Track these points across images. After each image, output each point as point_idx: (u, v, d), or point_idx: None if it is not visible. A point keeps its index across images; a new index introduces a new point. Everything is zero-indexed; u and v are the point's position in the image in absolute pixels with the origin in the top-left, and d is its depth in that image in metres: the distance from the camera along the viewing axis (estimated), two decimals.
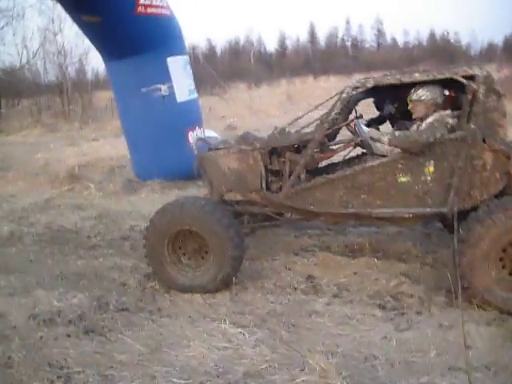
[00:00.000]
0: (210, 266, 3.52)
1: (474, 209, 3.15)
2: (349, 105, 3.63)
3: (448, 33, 52.41)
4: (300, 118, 3.61)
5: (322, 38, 54.89)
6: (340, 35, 54.34)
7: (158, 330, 3.04)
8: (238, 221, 3.77)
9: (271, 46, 65.12)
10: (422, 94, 3.34)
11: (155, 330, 3.05)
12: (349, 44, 54.10)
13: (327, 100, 3.52)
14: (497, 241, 2.88)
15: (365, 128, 3.51)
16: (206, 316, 3.20)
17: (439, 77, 3.16)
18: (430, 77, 3.17)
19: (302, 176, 3.60)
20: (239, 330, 2.93)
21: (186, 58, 7.13)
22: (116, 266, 4.16)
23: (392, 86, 3.38)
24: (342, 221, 3.85)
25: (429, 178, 3.22)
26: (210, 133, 8.37)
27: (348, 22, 57.76)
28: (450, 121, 3.27)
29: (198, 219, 3.44)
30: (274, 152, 3.74)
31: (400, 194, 3.30)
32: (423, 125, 3.40)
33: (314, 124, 3.66)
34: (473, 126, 3.08)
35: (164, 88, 6.65)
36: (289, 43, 52.78)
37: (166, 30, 6.65)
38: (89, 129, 15.38)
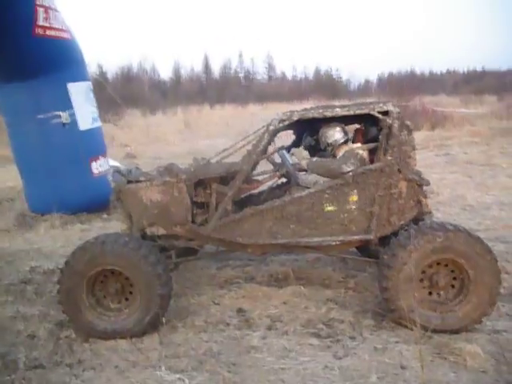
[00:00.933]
0: (135, 308, 3.26)
1: (394, 234, 3.39)
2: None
3: (331, 69, 57.24)
4: (227, 149, 3.58)
5: (216, 68, 56.24)
6: (233, 67, 56.24)
7: None
8: (163, 256, 3.56)
9: (165, 74, 64.97)
10: (319, 136, 3.68)
11: None
12: (242, 75, 56.13)
13: (254, 132, 3.54)
14: (418, 264, 3.10)
15: (289, 158, 3.60)
16: (136, 364, 2.93)
17: (358, 112, 3.38)
18: (351, 112, 3.38)
19: (229, 208, 3.55)
20: (177, 375, 2.74)
21: (88, 83, 6.73)
22: (20, 316, 3.66)
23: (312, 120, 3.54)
24: (270, 251, 3.86)
25: (353, 207, 3.39)
26: (112, 162, 7.97)
27: (241, 55, 60.13)
28: (360, 152, 3.52)
29: (122, 257, 3.18)
30: (199, 184, 3.65)
31: (327, 223, 3.42)
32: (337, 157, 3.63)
33: (231, 155, 3.65)
34: (389, 158, 3.33)
35: (64, 115, 6.17)
36: (183, 72, 53.11)
37: (66, 54, 6.22)
38: None
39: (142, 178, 3.70)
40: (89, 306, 3.26)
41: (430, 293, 3.24)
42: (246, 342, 3.14)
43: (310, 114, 3.40)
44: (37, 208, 6.60)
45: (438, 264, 3.18)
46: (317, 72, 59.73)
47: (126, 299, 3.33)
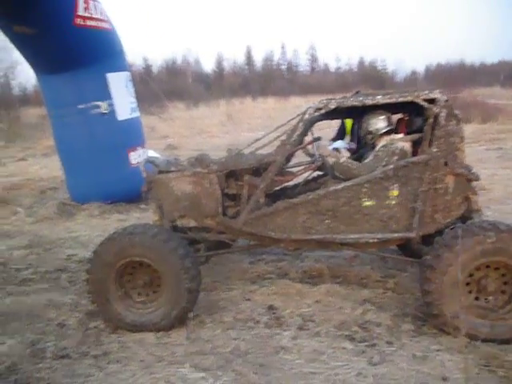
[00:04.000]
0: (163, 301, 3.18)
1: (438, 233, 3.13)
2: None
3: (376, 60, 55.66)
4: (259, 139, 3.42)
5: (258, 60, 56.04)
6: (276, 59, 55.83)
7: (107, 379, 2.66)
8: (193, 249, 3.46)
9: (208, 66, 65.52)
10: (361, 123, 3.43)
11: (103, 379, 2.66)
12: (284, 67, 55.64)
13: (289, 121, 3.36)
14: (465, 266, 2.83)
15: (326, 149, 3.40)
16: (161, 359, 2.85)
17: (401, 100, 3.12)
18: (393, 100, 3.13)
19: (261, 200, 3.40)
20: (201, 374, 2.63)
21: (127, 74, 6.76)
22: (52, 304, 3.68)
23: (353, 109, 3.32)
24: (304, 247, 3.68)
25: (393, 202, 3.15)
26: (151, 153, 8.00)
27: (283, 47, 59.61)
28: (401, 145, 3.26)
29: (151, 249, 3.10)
30: (231, 175, 3.52)
31: (365, 219, 3.20)
32: (372, 153, 3.39)
33: (269, 146, 3.48)
34: (435, 150, 3.06)
35: (104, 105, 6.22)
36: (226, 65, 53.29)
37: (106, 45, 6.27)
38: (16, 147, 14.27)
39: (172, 169, 3.62)
40: (117, 297, 3.21)
41: (477, 298, 2.96)
42: (275, 341, 2.99)
43: (349, 103, 3.18)
44: (77, 197, 6.72)
45: (488, 267, 2.90)
46: (361, 63, 58.28)
47: (154, 292, 3.27)
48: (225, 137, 16.61)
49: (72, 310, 3.54)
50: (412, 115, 3.64)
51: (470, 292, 2.95)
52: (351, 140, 5.09)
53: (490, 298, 2.93)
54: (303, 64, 57.77)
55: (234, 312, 3.42)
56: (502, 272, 2.90)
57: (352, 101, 3.18)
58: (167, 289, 3.15)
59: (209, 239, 3.72)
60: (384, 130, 3.35)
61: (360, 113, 3.65)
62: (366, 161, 3.48)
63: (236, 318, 3.33)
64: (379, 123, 3.36)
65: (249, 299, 3.64)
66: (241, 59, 57.78)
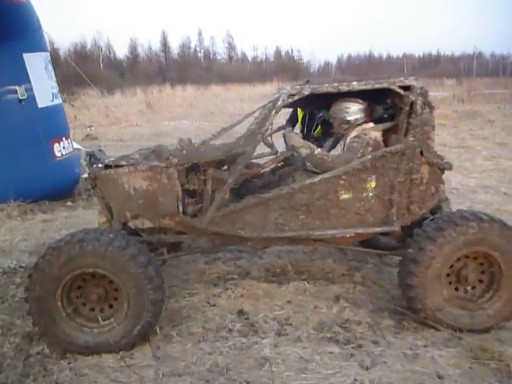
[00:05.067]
0: (122, 316, 2.75)
1: (416, 224, 3.05)
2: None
3: (292, 50, 56.85)
4: (228, 129, 3.07)
5: (174, 47, 54.44)
6: (193, 46, 54.65)
7: None
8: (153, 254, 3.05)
9: (121, 52, 62.30)
10: (336, 110, 3.24)
11: None
12: (201, 55, 54.70)
13: (260, 108, 3.06)
14: (448, 258, 2.77)
15: (298, 139, 3.16)
16: None
17: (377, 86, 2.97)
18: (369, 86, 2.97)
19: (227, 196, 3.09)
20: None
21: (46, 54, 5.95)
22: None
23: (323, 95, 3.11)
24: (274, 245, 3.43)
25: (370, 194, 3.01)
26: (74, 145, 7.24)
27: (200, 34, 58.48)
28: (374, 135, 3.14)
29: (106, 258, 2.65)
30: (191, 169, 3.14)
31: (341, 213, 3.03)
32: (346, 141, 3.23)
33: (223, 135, 3.15)
34: (411, 139, 2.95)
35: (21, 90, 5.40)
36: (140, 50, 51.03)
37: (22, 20, 5.43)
38: None
39: (123, 163, 3.15)
40: (66, 316, 2.72)
41: (456, 289, 2.93)
42: (255, 352, 2.71)
43: (324, 89, 2.96)
44: None
45: (467, 257, 2.87)
46: (277, 53, 59.21)
47: (111, 306, 2.82)
48: (146, 126, 15.79)
49: (4, 334, 2.95)
50: (371, 103, 3.53)
51: (450, 283, 2.91)
52: (301, 129, 4.91)
53: (469, 288, 2.92)
54: (221, 52, 57.28)
55: (201, 321, 3.08)
56: (479, 261, 2.89)
57: (327, 87, 2.97)
58: (127, 302, 2.73)
59: (167, 241, 3.33)
60: (362, 121, 3.19)
61: (326, 101, 3.47)
62: (334, 152, 3.32)
63: (205, 327, 3.00)
64: (358, 113, 3.18)
65: (214, 304, 3.31)
66: (156, 45, 55.75)
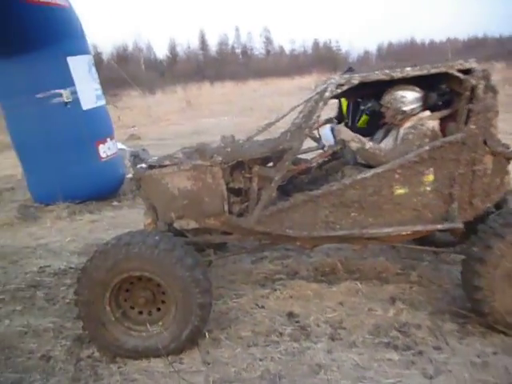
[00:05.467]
0: (170, 320, 2.69)
1: (479, 220, 2.80)
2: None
3: (330, 41, 55.83)
4: (273, 123, 2.92)
5: (212, 45, 54.76)
6: (230, 42, 54.77)
7: None
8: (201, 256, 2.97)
9: (161, 52, 63.46)
10: (389, 99, 2.99)
11: None
12: (239, 51, 54.71)
13: (305, 101, 2.89)
14: None
15: (348, 133, 2.97)
16: None
17: (434, 71, 2.73)
18: (424, 71, 2.74)
19: (273, 194, 2.95)
20: None
21: (89, 57, 6.02)
22: (30, 330, 3.10)
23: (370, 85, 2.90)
24: (324, 244, 3.28)
25: (428, 189, 2.79)
26: (119, 145, 7.35)
27: (237, 30, 58.53)
28: (431, 124, 2.90)
29: (153, 261, 2.59)
30: (236, 167, 3.03)
31: (396, 209, 2.82)
32: (400, 132, 3.01)
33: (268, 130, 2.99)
34: (473, 127, 2.70)
35: (66, 93, 5.50)
36: (179, 50, 51.68)
37: (65, 24, 5.51)
38: None
39: (166, 162, 3.08)
40: (114, 320, 2.69)
41: None
42: (308, 358, 2.58)
43: (375, 76, 2.75)
44: (40, 198, 5.99)
45: None
46: (315, 45, 58.29)
47: (159, 310, 2.77)
48: (186, 124, 15.93)
49: (56, 337, 2.98)
50: (425, 90, 3.28)
51: None
52: (347, 121, 4.70)
53: None
54: (258, 47, 57.06)
55: (250, 324, 2.98)
56: None
57: (378, 74, 2.76)
58: (175, 306, 2.66)
59: (211, 242, 3.24)
60: (419, 110, 2.96)
61: (373, 89, 3.26)
62: (385, 144, 3.10)
63: (255, 331, 2.89)
64: (415, 102, 2.95)
65: (263, 306, 3.20)
66: (194, 44, 56.38)
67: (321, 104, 2.76)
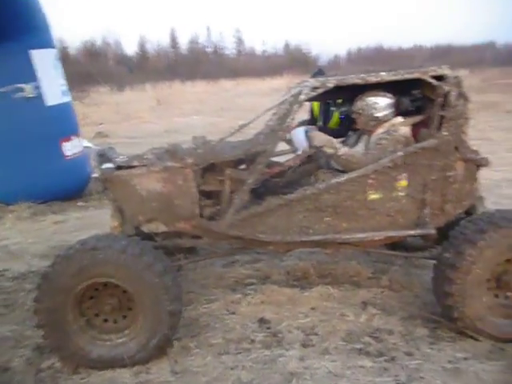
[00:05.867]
0: (138, 328, 2.58)
1: (449, 225, 2.83)
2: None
3: (301, 44, 56.21)
4: (246, 125, 2.85)
5: (183, 43, 54.19)
6: (201, 41, 54.34)
7: None
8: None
9: (131, 49, 62.33)
10: (362, 105, 2.97)
11: None
12: (210, 50, 54.36)
13: (280, 103, 2.83)
14: (489, 263, 2.54)
15: (322, 138, 2.93)
16: None
17: (408, 77, 2.74)
18: (399, 77, 2.74)
19: (246, 198, 2.88)
20: None
21: (54, 51, 5.78)
22: None
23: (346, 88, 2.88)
24: (297, 248, 3.24)
25: (401, 194, 2.79)
26: (85, 143, 7.12)
27: (209, 29, 58.16)
28: (404, 130, 2.91)
29: (120, 267, 2.47)
30: (208, 169, 2.95)
31: (369, 214, 2.81)
32: (373, 138, 3.00)
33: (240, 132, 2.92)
34: (445, 134, 2.72)
35: (28, 88, 5.26)
36: (149, 47, 50.83)
37: (28, 16, 5.26)
38: None
39: (135, 163, 2.96)
40: (78, 328, 2.56)
41: (496, 296, 2.71)
42: (281, 365, 2.52)
43: (350, 80, 2.73)
44: (1, 197, 5.70)
45: (508, 261, 2.64)
46: (286, 47, 58.63)
47: (125, 317, 2.65)
48: (157, 122, 15.64)
49: (15, 347, 2.81)
50: (397, 95, 3.29)
51: (489, 289, 2.68)
52: (319, 124, 4.68)
53: (510, 294, 2.69)
54: (229, 47, 56.88)
55: (221, 331, 2.90)
56: None
57: (353, 78, 2.74)
58: (143, 313, 2.55)
59: (183, 246, 3.15)
60: (391, 116, 2.95)
61: (350, 93, 3.25)
62: (356, 149, 3.09)
63: (226, 338, 2.81)
64: (387, 109, 2.94)
65: (234, 312, 3.13)
66: (165, 42, 55.53)
67: (295, 106, 2.71)
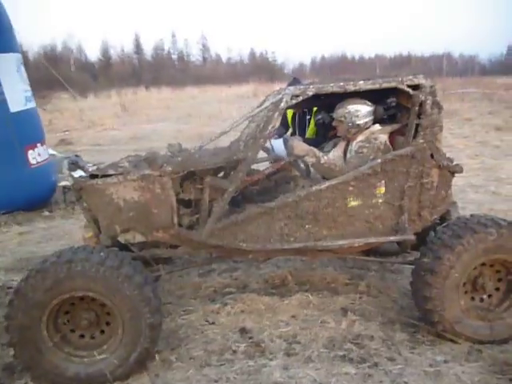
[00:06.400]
0: (117, 343, 2.49)
1: (425, 231, 2.90)
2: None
3: (266, 51, 56.83)
4: (226, 132, 2.80)
5: (147, 49, 53.66)
6: (166, 48, 53.99)
7: None
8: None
9: (93, 54, 60.98)
10: (343, 113, 3.00)
11: None
12: (175, 57, 54.10)
13: (261, 110, 2.81)
14: (467, 267, 2.61)
15: (302, 147, 2.93)
16: None
17: (385, 85, 2.79)
18: (376, 85, 2.78)
19: (226, 206, 2.85)
20: None
21: (18, 56, 5.57)
22: None
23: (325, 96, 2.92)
24: (277, 256, 3.22)
25: (380, 201, 2.83)
26: (50, 151, 6.87)
27: (174, 36, 57.85)
28: (383, 138, 2.96)
29: (98, 280, 2.38)
30: (186, 177, 2.90)
31: (349, 221, 2.83)
32: (353, 146, 3.04)
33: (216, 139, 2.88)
34: (421, 141, 2.79)
35: None
36: (113, 52, 50.03)
37: None
38: None
39: (111, 171, 2.88)
40: (53, 345, 2.44)
41: (472, 298, 2.78)
42: (265, 376, 2.48)
43: (329, 88, 2.76)
44: None
45: (483, 265, 2.72)
46: (252, 54, 59.13)
47: (102, 332, 2.55)
48: (122, 129, 15.35)
49: None
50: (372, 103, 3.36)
51: (466, 293, 2.75)
52: (292, 133, 4.71)
53: (485, 297, 2.77)
54: (195, 54, 56.80)
55: (202, 342, 2.84)
56: (496, 269, 2.74)
57: (332, 86, 2.77)
58: (121, 328, 2.46)
59: (161, 256, 3.07)
60: (370, 124, 3.00)
61: (324, 101, 3.29)
62: (332, 156, 3.11)
63: (207, 349, 2.75)
64: (368, 116, 2.98)
65: (213, 322, 3.07)
66: (128, 47, 54.82)
67: (276, 114, 2.71)
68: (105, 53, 48.74)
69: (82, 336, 2.54)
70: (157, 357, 2.64)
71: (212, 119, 16.47)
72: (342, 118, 3.00)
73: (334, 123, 3.12)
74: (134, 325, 2.45)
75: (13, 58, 5.41)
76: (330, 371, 2.51)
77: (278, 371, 2.52)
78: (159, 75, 40.21)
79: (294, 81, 4.53)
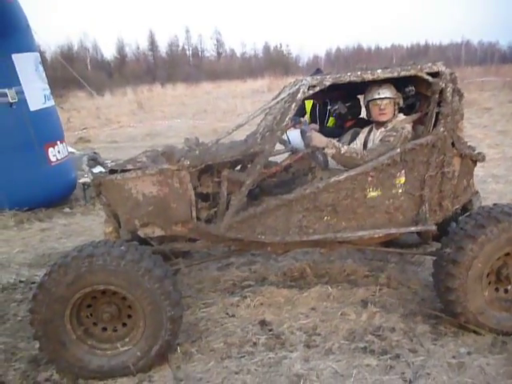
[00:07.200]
0: (139, 336, 2.51)
1: (446, 221, 2.85)
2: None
3: (281, 45, 56.48)
4: (242, 125, 2.79)
5: (162, 46, 53.86)
6: (180, 44, 54.11)
7: None
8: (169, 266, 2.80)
9: (109, 52, 61.64)
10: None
11: None
12: (190, 53, 54.19)
13: (277, 102, 2.80)
14: (489, 258, 2.56)
15: (321, 138, 2.89)
16: None
17: (404, 74, 2.74)
18: (395, 74, 2.73)
19: (244, 199, 2.84)
20: None
21: (36, 55, 5.64)
22: None
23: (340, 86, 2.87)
24: (296, 249, 3.21)
25: (400, 191, 2.79)
26: (68, 149, 6.96)
27: (188, 32, 57.91)
28: (409, 127, 2.89)
29: (119, 274, 2.40)
30: (204, 170, 2.90)
31: (368, 212, 2.80)
32: (377, 134, 2.99)
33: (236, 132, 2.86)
34: (442, 130, 2.73)
35: (11, 93, 5.11)
36: (128, 51, 50.35)
37: (10, 20, 5.12)
38: None
39: (129, 167, 2.90)
40: (76, 338, 2.48)
41: (496, 289, 2.73)
42: (286, 368, 2.48)
43: (347, 78, 2.72)
44: None
45: (507, 255, 2.66)
46: (266, 48, 58.81)
47: (124, 325, 2.58)
48: (138, 126, 15.46)
49: (9, 360, 2.70)
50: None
51: (489, 284, 2.70)
52: (311, 121, 4.67)
53: (510, 288, 2.71)
54: (209, 49, 56.81)
55: (222, 335, 2.85)
56: None
57: (349, 76, 2.72)
58: (143, 321, 2.49)
59: (180, 249, 3.09)
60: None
61: (339, 92, 3.25)
62: (353, 146, 3.08)
63: (227, 342, 2.77)
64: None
65: (233, 315, 3.08)
66: (143, 45, 55.16)
67: (293, 105, 2.68)
68: (120, 51, 49.08)
69: (105, 329, 2.57)
70: (178, 349, 2.66)
71: (227, 115, 16.47)
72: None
73: (375, 103, 2.99)
74: (155, 318, 2.47)
75: (31, 57, 5.48)
76: (351, 363, 2.50)
77: (299, 363, 2.51)
78: (174, 72, 40.33)
79: (317, 72, 4.49)
